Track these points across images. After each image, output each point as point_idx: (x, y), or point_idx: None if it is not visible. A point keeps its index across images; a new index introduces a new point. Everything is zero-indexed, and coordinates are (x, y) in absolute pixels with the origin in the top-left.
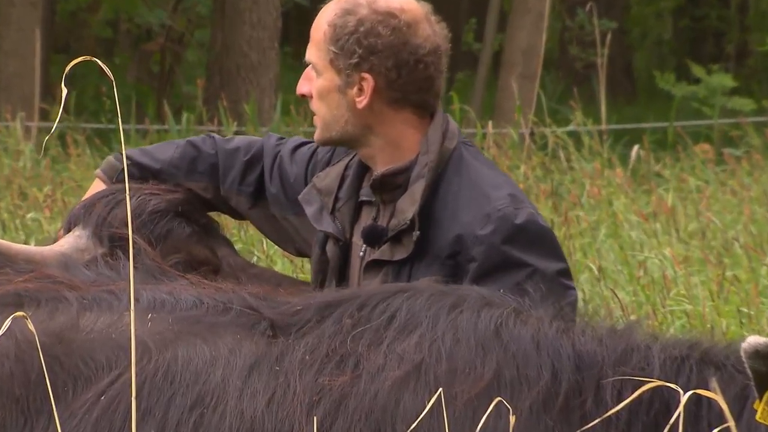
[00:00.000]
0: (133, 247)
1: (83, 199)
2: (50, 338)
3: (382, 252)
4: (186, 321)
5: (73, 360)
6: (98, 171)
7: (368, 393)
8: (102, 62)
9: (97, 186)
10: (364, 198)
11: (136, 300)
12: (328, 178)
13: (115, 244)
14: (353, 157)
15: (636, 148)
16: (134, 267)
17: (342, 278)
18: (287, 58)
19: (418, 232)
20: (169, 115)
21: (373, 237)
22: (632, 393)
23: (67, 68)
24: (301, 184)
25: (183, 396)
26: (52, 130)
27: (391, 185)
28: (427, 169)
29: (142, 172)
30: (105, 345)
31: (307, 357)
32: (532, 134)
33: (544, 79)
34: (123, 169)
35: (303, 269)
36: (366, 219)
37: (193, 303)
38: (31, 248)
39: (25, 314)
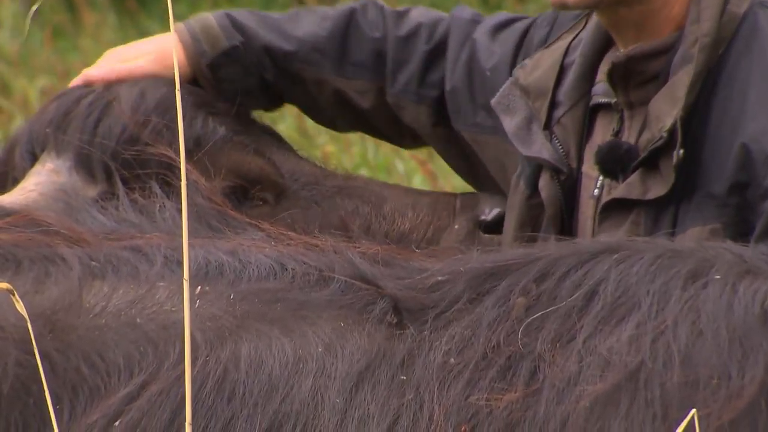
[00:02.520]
0: (177, 178)
1: (47, 108)
2: (36, 324)
3: (629, 186)
4: (257, 299)
5: (72, 359)
6: (181, 29)
7: (553, 419)
8: None
9: (158, 59)
10: (601, 100)
11: (179, 263)
12: (538, 68)
13: (125, 173)
14: (579, 31)
15: None
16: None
17: (565, 232)
18: None
19: (681, 152)
20: None
21: (615, 161)
22: None
23: None
24: (502, 79)
25: (249, 421)
26: None
27: (642, 76)
28: (699, 48)
29: (256, 55)
30: (124, 336)
31: (453, 360)
32: None
33: None
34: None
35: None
36: (602, 135)
37: (269, 269)
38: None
39: (8, 285)
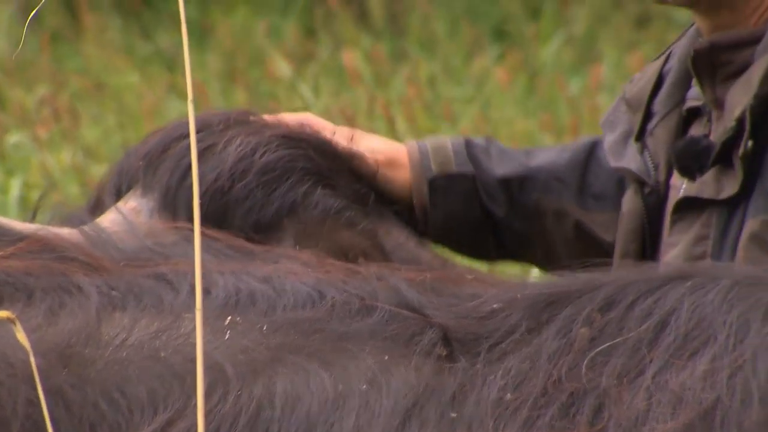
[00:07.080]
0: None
1: (148, 140)
2: (48, 358)
3: (702, 185)
4: (293, 330)
5: (89, 395)
6: (412, 143)
7: None
8: None
9: (388, 161)
10: (693, 103)
11: (207, 292)
12: (642, 80)
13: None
14: (680, 37)
15: None
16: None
17: (648, 251)
18: None
19: (749, 143)
20: None
21: (692, 157)
22: None
23: None
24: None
25: None
26: None
27: (729, 68)
28: None
29: (489, 188)
30: (147, 370)
31: (509, 396)
32: None
33: None
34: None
35: None
36: None
37: (306, 298)
38: (35, 228)
39: (9, 314)
